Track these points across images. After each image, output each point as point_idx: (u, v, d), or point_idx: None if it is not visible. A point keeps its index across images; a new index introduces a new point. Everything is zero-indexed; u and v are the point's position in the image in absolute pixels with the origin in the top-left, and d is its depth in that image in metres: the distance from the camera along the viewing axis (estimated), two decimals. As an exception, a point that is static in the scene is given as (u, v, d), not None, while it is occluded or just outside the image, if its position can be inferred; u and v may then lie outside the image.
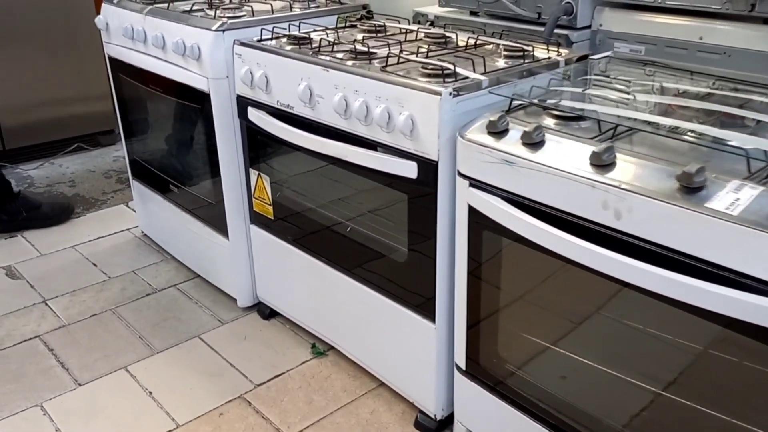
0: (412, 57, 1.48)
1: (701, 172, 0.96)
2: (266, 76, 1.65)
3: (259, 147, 1.80)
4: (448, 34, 1.70)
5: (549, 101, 1.30)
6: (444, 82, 1.32)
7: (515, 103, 1.30)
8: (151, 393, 1.75)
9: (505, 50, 1.54)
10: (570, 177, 1.08)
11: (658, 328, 1.06)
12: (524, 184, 1.16)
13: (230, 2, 2.05)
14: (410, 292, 1.50)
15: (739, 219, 0.90)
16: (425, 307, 1.48)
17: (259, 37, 1.74)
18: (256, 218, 1.91)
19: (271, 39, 1.74)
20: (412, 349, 1.55)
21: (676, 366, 1.06)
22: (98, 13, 2.24)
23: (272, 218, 1.85)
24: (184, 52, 1.83)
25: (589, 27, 1.69)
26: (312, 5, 2.03)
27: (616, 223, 1.03)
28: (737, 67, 1.45)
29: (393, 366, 1.65)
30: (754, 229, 0.88)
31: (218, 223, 2.00)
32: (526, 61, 1.48)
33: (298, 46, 1.66)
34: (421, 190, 1.38)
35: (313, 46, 1.64)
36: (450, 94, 1.28)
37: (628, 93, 1.34)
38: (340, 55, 1.55)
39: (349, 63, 1.49)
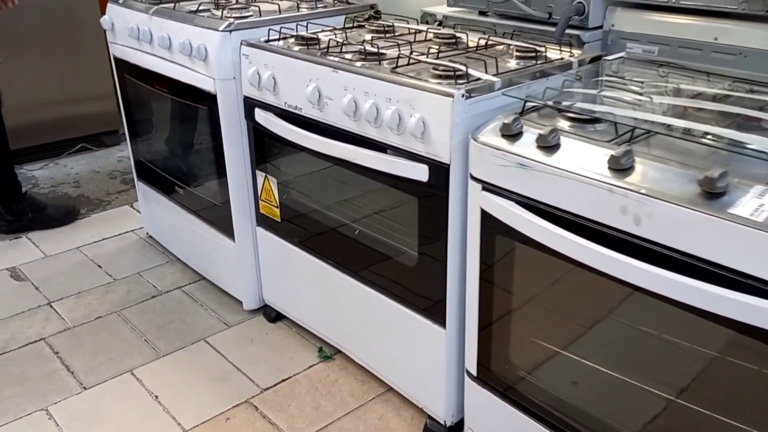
0: (423, 58, 1.46)
1: (724, 176, 0.93)
2: (274, 77, 1.63)
3: (266, 149, 1.78)
4: (458, 34, 1.68)
5: (563, 103, 1.28)
6: (456, 83, 1.30)
7: (528, 105, 1.28)
8: (156, 397, 1.73)
9: (516, 51, 1.52)
10: (587, 181, 1.06)
11: (674, 334, 1.04)
12: (539, 188, 1.14)
13: (237, 2, 2.03)
14: (420, 296, 1.48)
15: (763, 225, 0.88)
16: (435, 311, 1.46)
17: (266, 38, 1.72)
18: (263, 220, 1.89)
19: (279, 39, 1.72)
20: (422, 353, 1.53)
21: (691, 372, 1.04)
22: (103, 13, 2.22)
23: (279, 220, 1.83)
24: (190, 52, 1.81)
25: (600, 27, 1.67)
26: (319, 5, 2.01)
27: (635, 228, 1.01)
28: (753, 68, 1.42)
29: (401, 371, 1.63)
30: (779, 235, 0.86)
31: (224, 225, 1.98)
32: (539, 62, 1.46)
33: (306, 47, 1.64)
34: (432, 194, 1.36)
35: (322, 46, 1.62)
36: (462, 96, 1.26)
37: (643, 95, 1.32)
38: (349, 56, 1.53)
39: (359, 64, 1.47)
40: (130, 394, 1.74)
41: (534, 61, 1.46)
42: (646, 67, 1.51)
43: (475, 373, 1.42)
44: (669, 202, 0.96)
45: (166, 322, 2.03)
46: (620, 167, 1.03)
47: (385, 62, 1.47)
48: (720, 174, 0.93)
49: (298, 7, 1.98)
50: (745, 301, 0.90)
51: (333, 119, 1.52)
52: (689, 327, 1.01)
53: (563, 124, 1.22)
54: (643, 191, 0.99)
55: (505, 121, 1.20)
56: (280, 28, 1.76)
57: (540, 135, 1.14)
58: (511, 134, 1.20)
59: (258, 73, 1.66)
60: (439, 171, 1.32)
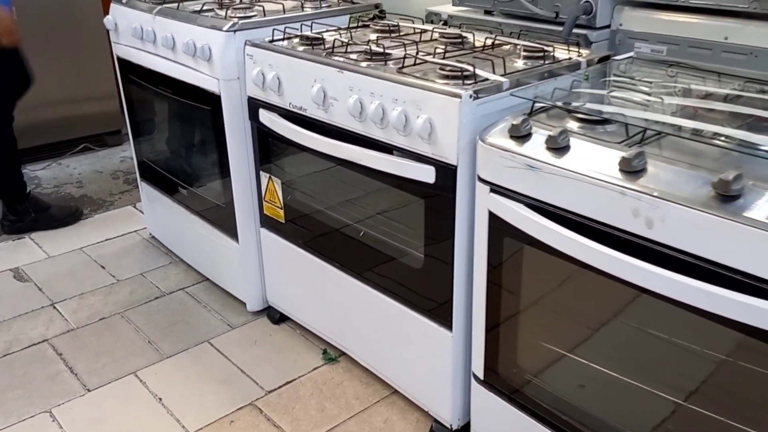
0: (429, 58, 1.44)
1: (739, 179, 0.92)
2: (278, 78, 1.62)
3: (270, 149, 1.77)
4: (464, 34, 1.67)
5: (573, 104, 1.26)
6: (463, 84, 1.28)
7: (537, 105, 1.26)
8: (160, 399, 1.72)
9: (524, 51, 1.50)
10: (599, 184, 1.04)
11: (684, 338, 1.03)
12: (549, 190, 1.12)
13: (240, 2, 2.02)
14: (426, 298, 1.47)
15: (779, 229, 0.86)
16: (442, 314, 1.44)
17: (270, 38, 1.71)
18: (267, 221, 1.88)
19: (283, 39, 1.71)
20: (428, 357, 1.51)
21: (700, 376, 1.03)
22: (106, 13, 2.21)
23: (283, 221, 1.81)
24: (194, 52, 1.80)
25: (608, 26, 1.65)
26: (323, 5, 1.99)
27: (647, 232, 0.99)
28: (764, 68, 1.40)
29: (407, 373, 1.61)
30: (796, 239, 0.85)
31: (228, 226, 1.97)
32: (547, 62, 1.44)
33: (310, 47, 1.62)
34: (438, 195, 1.35)
35: (326, 46, 1.61)
36: (470, 96, 1.24)
37: (654, 95, 1.30)
38: (354, 56, 1.51)
39: (364, 64, 1.45)
40: (133, 396, 1.73)
41: (542, 61, 1.45)
42: (655, 67, 1.50)
43: (482, 377, 1.40)
44: (683, 205, 0.94)
45: (170, 323, 2.02)
46: (632, 169, 1.02)
47: (391, 62, 1.45)
48: (735, 176, 0.91)
49: (303, 7, 1.96)
50: (760, 306, 0.89)
51: (338, 120, 1.50)
52: (701, 330, 0.99)
53: (572, 125, 1.20)
54: (656, 194, 0.97)
55: (514, 122, 1.19)
56: (285, 28, 1.75)
57: (550, 136, 1.13)
58: (520, 135, 1.18)
59: (262, 74, 1.65)
60: (446, 172, 1.30)
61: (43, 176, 3.06)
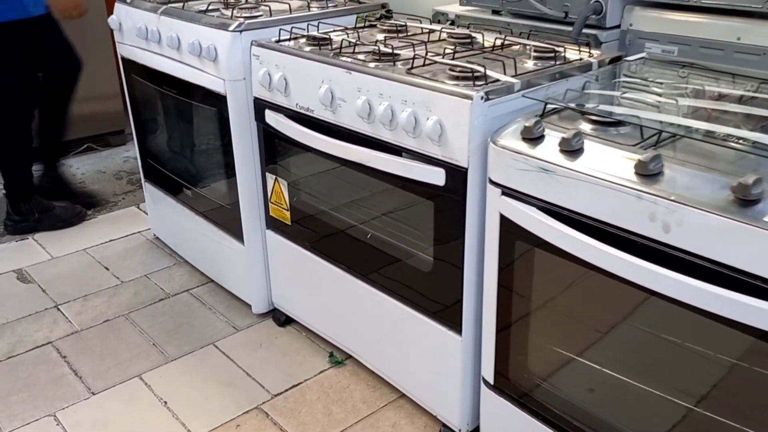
0: (438, 58, 1.43)
1: (759, 183, 0.90)
2: (285, 78, 1.60)
3: (277, 150, 1.75)
4: (473, 34, 1.65)
5: (586, 105, 1.24)
6: (474, 85, 1.27)
7: (549, 107, 1.24)
8: (165, 403, 1.71)
9: (534, 51, 1.48)
10: (614, 187, 1.02)
11: (698, 342, 1.01)
12: (563, 193, 1.10)
13: (246, 2, 2.00)
14: (435, 301, 1.45)
15: (801, 235, 0.85)
16: (451, 318, 1.43)
17: (277, 38, 1.69)
18: (272, 223, 1.86)
19: (290, 39, 1.69)
20: (436, 361, 1.50)
21: (712, 381, 1.01)
22: (110, 12, 2.19)
23: (289, 223, 1.80)
24: (200, 53, 1.78)
25: (618, 27, 1.64)
26: (330, 5, 1.98)
27: (664, 236, 0.98)
28: (777, 69, 1.39)
29: (415, 377, 1.60)
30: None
31: (233, 228, 1.95)
32: (558, 62, 1.43)
33: (317, 47, 1.61)
34: (448, 198, 1.33)
35: (334, 47, 1.59)
36: (482, 98, 1.23)
37: (667, 96, 1.28)
38: (362, 57, 1.49)
39: (373, 65, 1.44)
40: (138, 400, 1.72)
41: (553, 62, 1.43)
42: (667, 67, 1.48)
43: (492, 382, 1.39)
44: (701, 210, 0.92)
45: (175, 325, 2.01)
46: (648, 172, 1.00)
47: (399, 63, 1.44)
48: (755, 180, 0.90)
49: (309, 7, 1.95)
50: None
51: (346, 121, 1.49)
52: (715, 335, 0.98)
53: (585, 126, 1.18)
54: (673, 198, 0.96)
55: (526, 124, 1.17)
56: (291, 28, 1.73)
57: (563, 138, 1.11)
58: (533, 137, 1.16)
59: (269, 74, 1.63)
60: (457, 175, 1.29)
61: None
